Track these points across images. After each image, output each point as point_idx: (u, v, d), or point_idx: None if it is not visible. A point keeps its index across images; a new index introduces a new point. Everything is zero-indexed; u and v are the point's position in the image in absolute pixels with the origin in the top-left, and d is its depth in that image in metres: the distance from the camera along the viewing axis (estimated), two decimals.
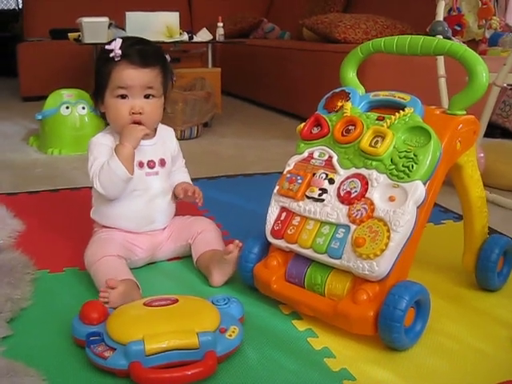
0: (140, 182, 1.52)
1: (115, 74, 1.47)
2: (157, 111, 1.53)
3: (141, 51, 1.49)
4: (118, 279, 1.34)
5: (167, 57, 1.58)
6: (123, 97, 1.48)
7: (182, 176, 1.68)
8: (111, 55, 1.46)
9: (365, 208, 1.22)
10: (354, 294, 1.20)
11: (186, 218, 1.65)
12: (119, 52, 1.46)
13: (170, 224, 1.63)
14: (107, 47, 1.48)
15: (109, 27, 3.60)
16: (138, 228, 1.55)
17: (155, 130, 1.59)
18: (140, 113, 1.48)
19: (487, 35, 2.90)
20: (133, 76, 1.47)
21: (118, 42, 1.48)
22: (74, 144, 2.91)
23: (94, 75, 1.54)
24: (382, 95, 1.35)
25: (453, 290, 1.48)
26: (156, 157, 1.56)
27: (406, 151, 1.22)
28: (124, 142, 1.47)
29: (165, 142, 1.61)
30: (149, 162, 1.54)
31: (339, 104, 1.37)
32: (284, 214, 1.35)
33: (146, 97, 1.50)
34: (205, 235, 1.58)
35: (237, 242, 1.45)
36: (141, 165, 1.53)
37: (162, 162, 1.57)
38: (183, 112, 3.21)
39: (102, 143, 1.52)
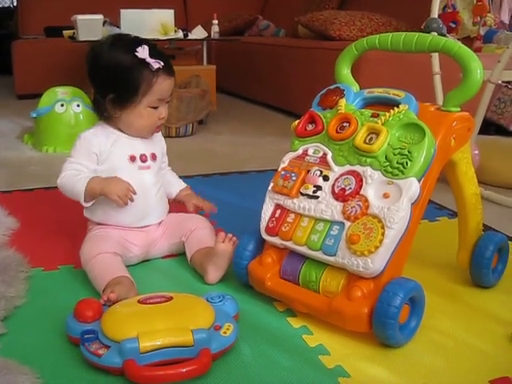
0: (133, 176, 1.51)
1: (158, 86, 1.47)
2: None
3: (167, 59, 1.50)
4: (114, 276, 1.36)
5: None
6: (155, 107, 1.51)
7: (175, 180, 1.74)
8: (156, 67, 1.45)
9: (359, 205, 1.22)
10: (348, 291, 1.20)
11: (179, 216, 1.66)
12: (163, 64, 1.47)
13: (164, 221, 1.63)
14: (140, 56, 1.45)
15: (103, 25, 3.58)
16: (133, 223, 1.55)
17: None
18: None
19: (482, 32, 2.90)
20: (169, 87, 1.51)
21: (146, 49, 1.46)
22: (69, 142, 2.78)
23: (117, 81, 1.48)
24: (377, 92, 1.34)
25: (447, 286, 1.48)
26: (148, 151, 1.57)
27: (400, 148, 1.22)
28: (105, 187, 1.45)
29: (153, 139, 1.62)
30: (141, 155, 1.55)
31: (336, 98, 1.37)
32: (279, 211, 1.35)
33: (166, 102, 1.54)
34: (198, 233, 1.58)
35: (229, 235, 1.46)
36: (132, 159, 1.54)
37: (154, 157, 1.58)
38: (178, 109, 3.20)
39: (87, 147, 1.52)
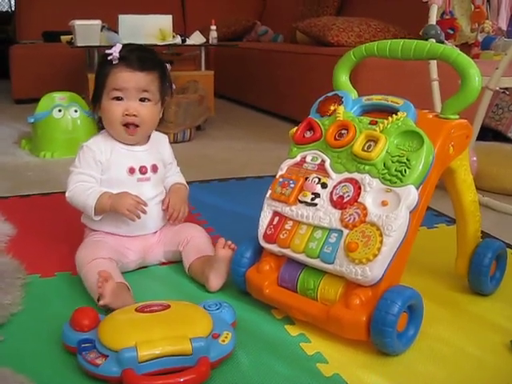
0: (131, 188, 1.51)
1: (112, 77, 1.49)
2: (152, 116, 1.54)
3: (139, 56, 1.51)
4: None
5: (168, 66, 1.59)
6: (118, 99, 1.50)
7: (178, 178, 1.70)
8: (109, 58, 1.49)
9: (357, 212, 1.21)
10: (346, 299, 1.19)
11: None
12: (117, 55, 1.48)
13: (161, 228, 1.62)
14: (107, 51, 1.50)
15: (101, 30, 3.58)
16: (129, 233, 1.55)
17: (148, 136, 1.60)
18: (134, 115, 1.50)
19: (480, 39, 2.91)
20: (128, 78, 1.49)
21: (119, 46, 1.50)
22: (67, 147, 2.88)
23: (95, 80, 1.56)
24: (375, 99, 1.34)
25: (446, 294, 1.47)
26: (148, 163, 1.56)
27: (398, 156, 1.21)
28: (115, 202, 1.46)
29: (157, 148, 1.61)
30: (141, 167, 1.55)
31: (332, 108, 1.37)
32: (277, 219, 1.34)
33: (142, 100, 1.51)
34: (195, 242, 1.56)
35: (228, 242, 1.45)
36: (132, 171, 1.53)
37: (154, 168, 1.57)
38: (176, 115, 3.20)
39: (92, 155, 1.52)
